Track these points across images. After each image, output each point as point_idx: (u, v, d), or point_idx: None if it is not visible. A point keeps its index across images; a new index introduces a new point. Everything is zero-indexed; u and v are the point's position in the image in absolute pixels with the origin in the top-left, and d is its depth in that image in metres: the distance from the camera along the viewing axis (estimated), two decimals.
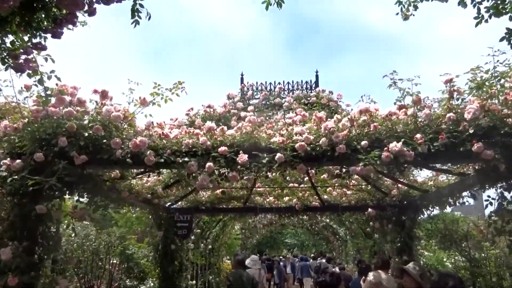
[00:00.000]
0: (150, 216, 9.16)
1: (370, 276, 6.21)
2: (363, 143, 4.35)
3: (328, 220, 18.11)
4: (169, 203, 9.31)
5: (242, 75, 7.18)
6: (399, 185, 8.05)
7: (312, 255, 28.26)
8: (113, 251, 8.85)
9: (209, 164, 4.39)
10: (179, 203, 9.53)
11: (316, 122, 4.73)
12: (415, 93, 4.70)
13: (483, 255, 8.33)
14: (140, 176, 7.35)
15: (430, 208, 8.40)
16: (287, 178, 8.86)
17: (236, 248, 19.05)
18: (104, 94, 4.63)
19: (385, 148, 4.26)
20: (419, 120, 4.53)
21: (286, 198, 9.29)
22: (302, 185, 9.02)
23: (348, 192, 9.10)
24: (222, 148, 4.48)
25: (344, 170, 4.77)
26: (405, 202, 8.59)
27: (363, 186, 8.89)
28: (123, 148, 4.48)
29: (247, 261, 13.38)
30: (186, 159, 4.53)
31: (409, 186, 7.81)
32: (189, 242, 11.26)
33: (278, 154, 4.32)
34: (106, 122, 4.59)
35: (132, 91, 4.76)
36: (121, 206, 7.49)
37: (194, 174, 4.60)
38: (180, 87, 4.52)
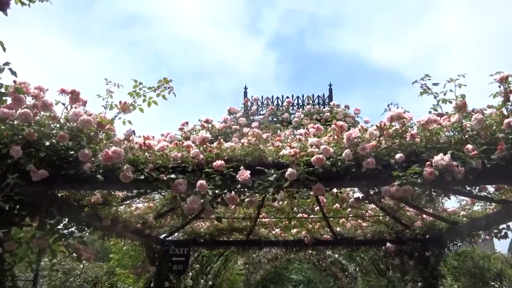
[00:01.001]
0: (142, 249, 8.06)
1: None
2: (397, 156, 3.33)
3: (337, 255, 16.76)
4: (163, 235, 8.21)
5: (245, 88, 6.28)
6: (424, 215, 6.94)
7: None
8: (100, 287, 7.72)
9: (201, 182, 3.37)
10: (175, 234, 8.42)
11: (336, 132, 3.73)
12: (459, 96, 3.73)
13: None
14: (128, 202, 6.32)
15: (458, 243, 7.26)
16: (295, 208, 7.80)
17: (239, 284, 17.63)
18: (74, 96, 3.68)
19: (427, 163, 3.24)
20: (467, 129, 3.52)
21: (294, 230, 8.16)
22: (312, 216, 7.92)
23: (364, 224, 7.97)
24: (218, 162, 3.47)
25: (371, 191, 3.71)
26: (427, 236, 7.46)
27: (381, 217, 7.77)
28: (93, 161, 3.49)
29: None
30: (173, 176, 3.52)
31: (436, 217, 6.70)
32: (188, 278, 10.08)
33: (289, 170, 3.30)
34: (76, 129, 3.63)
35: (110, 94, 3.82)
36: (106, 237, 6.45)
37: (182, 195, 3.58)
38: (167, 87, 3.56)
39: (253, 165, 3.58)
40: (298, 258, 20.01)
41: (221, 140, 3.83)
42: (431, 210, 6.66)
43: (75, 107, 3.70)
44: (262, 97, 6.12)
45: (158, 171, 3.56)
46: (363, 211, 7.59)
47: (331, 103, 5.82)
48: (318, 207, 7.46)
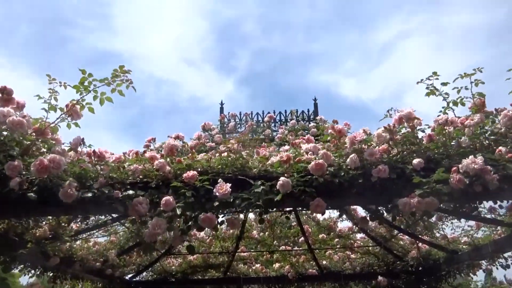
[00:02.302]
0: None
1: None
2: (415, 161, 2.62)
3: None
4: (129, 275, 7.14)
5: (222, 104, 5.55)
6: (420, 244, 6.22)
7: None
8: None
9: (166, 198, 2.54)
10: (143, 274, 7.36)
11: (334, 138, 3.01)
12: (476, 94, 3.11)
13: None
14: (84, 237, 5.34)
15: (456, 274, 6.54)
16: (277, 240, 6.96)
17: None
18: (5, 95, 2.85)
19: (453, 169, 2.54)
20: (494, 130, 2.87)
21: (277, 265, 7.25)
22: (296, 248, 7.08)
23: (353, 256, 7.16)
24: (190, 173, 2.66)
25: (381, 209, 2.96)
26: (422, 268, 6.71)
27: (371, 248, 7.00)
28: (23, 176, 2.63)
29: None
30: (131, 192, 2.69)
31: (433, 246, 5.98)
32: None
33: (282, 179, 2.52)
34: (5, 138, 2.77)
35: (55, 96, 2.99)
36: (58, 279, 5.40)
37: (143, 218, 2.73)
38: (124, 79, 2.78)
39: (234, 178, 2.79)
40: None
41: (194, 151, 3.04)
42: (427, 237, 5.97)
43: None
44: (240, 114, 5.42)
45: (111, 187, 2.71)
46: (352, 241, 6.81)
47: (317, 118, 5.16)
48: (302, 238, 6.65)
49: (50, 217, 4.28)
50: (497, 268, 5.48)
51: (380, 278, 6.77)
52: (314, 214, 6.57)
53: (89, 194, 2.64)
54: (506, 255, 5.39)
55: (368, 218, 3.29)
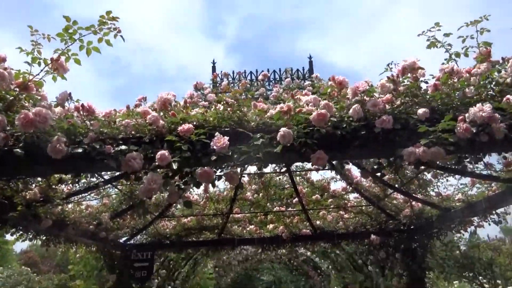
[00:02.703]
0: (99, 256, 6.93)
1: None
2: (420, 111, 2.51)
3: (309, 253, 16.05)
4: (123, 238, 7.11)
5: (213, 63, 5.35)
6: (413, 203, 6.24)
7: None
8: None
9: (161, 152, 2.42)
10: (137, 237, 7.34)
11: (335, 90, 2.88)
12: (482, 43, 2.98)
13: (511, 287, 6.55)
14: (77, 200, 5.23)
15: (447, 231, 6.62)
16: (271, 201, 6.93)
17: None
18: None
19: (460, 118, 2.44)
20: (499, 79, 2.75)
21: (271, 226, 7.27)
22: (290, 209, 7.07)
23: (346, 216, 7.19)
24: (185, 126, 2.53)
25: (384, 162, 2.88)
26: (414, 226, 6.78)
27: (364, 208, 7.03)
28: (8, 131, 2.47)
29: None
30: (123, 147, 2.55)
31: (427, 204, 6.00)
32: (153, 286, 8.98)
33: (283, 130, 2.40)
34: None
35: (38, 49, 2.78)
36: (51, 242, 5.32)
37: (138, 174, 2.61)
38: (111, 27, 2.58)
39: (231, 132, 2.66)
40: (269, 258, 19.17)
41: (188, 103, 2.89)
42: (420, 195, 5.97)
43: None
44: (233, 72, 5.23)
45: (102, 142, 2.57)
46: (345, 202, 6.82)
47: (313, 76, 5.00)
48: (296, 199, 6.63)
49: (40, 179, 4.15)
50: (489, 224, 5.53)
51: (372, 236, 6.83)
52: (308, 175, 6.53)
53: (79, 150, 2.50)
54: (498, 211, 5.43)
55: (368, 171, 3.20)
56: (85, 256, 10.54)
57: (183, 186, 2.61)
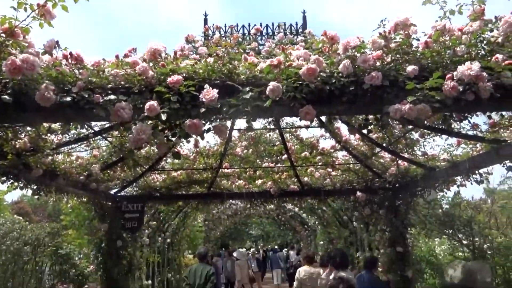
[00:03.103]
0: (90, 206, 7.05)
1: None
2: (409, 68, 2.53)
3: (297, 209, 16.48)
4: (114, 190, 7.21)
5: (205, 15, 5.22)
6: (399, 162, 6.38)
7: (276, 247, 26.61)
8: (42, 250, 6.70)
9: (150, 103, 2.42)
10: (127, 189, 7.44)
11: (326, 45, 2.86)
12: (476, 1, 2.94)
13: (488, 244, 6.84)
14: (67, 150, 5.25)
15: (431, 190, 6.81)
16: (260, 157, 7.01)
17: (199, 241, 17.03)
18: None
19: (448, 76, 2.47)
20: (491, 38, 2.75)
21: (259, 181, 7.41)
22: (278, 165, 7.18)
23: (333, 173, 7.34)
24: (175, 78, 2.52)
25: (371, 117, 2.91)
26: (398, 185, 6.96)
27: (351, 166, 7.17)
28: None
29: (236, 254, 13.65)
30: (112, 97, 2.55)
31: (412, 163, 6.13)
32: (144, 236, 9.21)
33: (272, 84, 2.41)
34: None
35: None
36: (42, 192, 5.38)
37: (127, 125, 2.62)
38: None
39: (221, 84, 2.66)
40: (258, 214, 19.66)
41: (178, 55, 2.86)
42: (407, 155, 6.09)
43: None
44: (225, 26, 5.12)
45: (91, 92, 2.56)
46: (333, 159, 6.93)
47: (306, 32, 4.92)
48: (285, 156, 6.72)
49: (29, 129, 4.13)
50: (471, 184, 5.69)
51: (358, 193, 7.03)
52: (298, 132, 6.57)
53: (68, 99, 2.49)
54: (481, 171, 5.58)
55: (355, 128, 3.25)
56: (76, 207, 10.71)
57: (172, 138, 2.63)
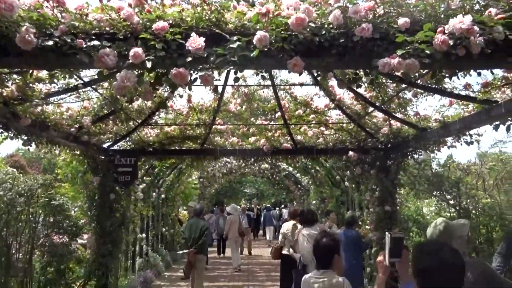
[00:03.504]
0: (83, 159, 7.08)
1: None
2: (401, 21, 2.47)
3: (291, 169, 16.68)
4: (107, 144, 7.22)
5: None
6: (392, 122, 6.38)
7: (269, 205, 27.13)
8: (36, 201, 6.78)
9: (135, 50, 2.37)
10: (120, 143, 7.46)
11: None
12: None
13: (474, 204, 7.00)
14: (56, 101, 5.20)
15: (422, 151, 6.87)
16: (253, 115, 6.99)
17: (194, 198, 17.31)
18: None
19: (439, 29, 2.42)
20: None
21: (252, 139, 7.43)
22: (272, 123, 7.18)
23: (326, 132, 7.36)
24: (160, 24, 2.46)
25: (361, 72, 2.88)
26: (390, 145, 7.00)
27: (345, 125, 7.17)
28: None
29: (228, 209, 14.06)
30: (96, 43, 2.49)
31: (405, 123, 6.14)
32: (138, 191, 9.34)
33: (259, 33, 2.36)
34: None
35: None
36: (33, 143, 5.38)
37: (111, 71, 2.58)
38: None
39: (208, 33, 2.60)
40: (253, 172, 19.89)
41: (165, 3, 2.77)
42: (400, 115, 6.09)
43: None
44: None
45: (74, 36, 2.50)
46: (327, 118, 6.92)
47: None
48: (279, 113, 6.71)
49: (16, 77, 4.07)
50: (461, 144, 5.74)
51: (350, 153, 7.08)
52: (292, 90, 6.52)
53: (50, 43, 2.43)
54: (472, 132, 5.61)
55: (344, 82, 3.22)
56: (70, 161, 10.77)
57: (157, 87, 2.60)
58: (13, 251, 6.88)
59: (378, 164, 7.18)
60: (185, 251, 8.20)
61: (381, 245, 7.24)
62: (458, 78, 2.99)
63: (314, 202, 15.47)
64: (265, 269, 12.45)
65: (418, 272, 1.89)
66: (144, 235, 10.68)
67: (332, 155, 7.66)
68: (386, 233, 2.39)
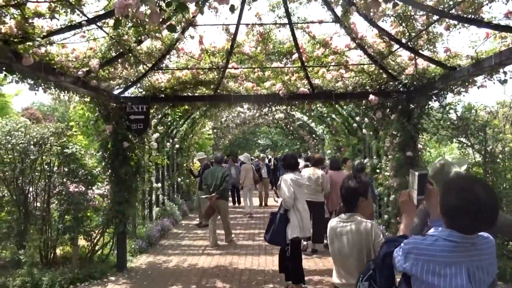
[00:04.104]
0: (94, 107, 6.86)
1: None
2: None
3: (305, 118, 16.35)
4: (117, 90, 6.96)
5: None
6: (418, 61, 5.93)
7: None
8: (49, 149, 6.64)
9: None
10: (131, 90, 7.19)
11: None
12: None
13: (501, 148, 6.62)
14: (60, 40, 4.88)
15: (447, 93, 6.44)
16: (270, 56, 6.57)
17: (208, 148, 17.23)
18: None
19: None
20: None
21: (268, 83, 7.06)
22: (289, 65, 6.77)
23: (346, 75, 6.94)
24: None
25: None
26: (412, 88, 6.58)
27: (365, 67, 6.74)
28: None
29: (242, 158, 14.37)
30: None
31: (432, 62, 5.70)
32: (152, 141, 9.20)
33: None
34: None
35: None
36: (40, 87, 5.12)
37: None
38: None
39: None
40: (266, 123, 19.64)
41: None
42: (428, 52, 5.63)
43: None
44: None
45: None
46: (347, 59, 6.48)
47: None
48: (296, 55, 6.29)
49: (14, 11, 3.75)
50: (493, 83, 5.30)
51: (371, 96, 6.70)
52: (309, 28, 6.06)
53: None
54: (506, 69, 5.15)
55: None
56: (81, 111, 10.59)
57: (165, 8, 2.26)
58: (31, 200, 6.87)
59: (400, 108, 6.81)
60: (207, 196, 8.51)
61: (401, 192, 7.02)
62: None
63: (329, 151, 15.25)
64: None
65: (446, 212, 1.66)
66: (159, 184, 10.67)
67: (351, 99, 7.28)
68: (411, 171, 2.22)
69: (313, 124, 16.80)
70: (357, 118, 10.61)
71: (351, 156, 11.49)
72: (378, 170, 9.45)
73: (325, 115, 12.93)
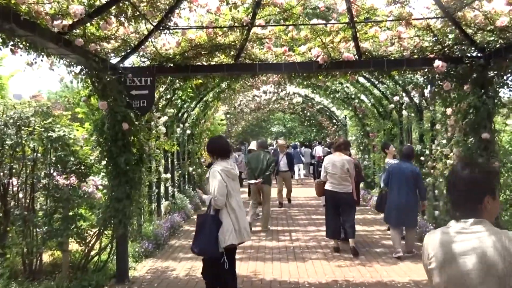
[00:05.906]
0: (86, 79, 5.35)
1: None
2: None
3: (326, 102, 14.75)
4: (115, 60, 5.44)
5: None
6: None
7: (297, 143, 25.50)
8: (29, 133, 5.18)
9: None
10: (132, 58, 5.67)
11: None
12: None
13: None
14: None
15: None
16: (308, 10, 4.98)
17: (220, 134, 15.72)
18: None
19: None
20: None
21: (304, 48, 5.49)
22: (333, 22, 5.18)
23: (403, 36, 5.33)
24: None
25: None
26: (493, 50, 4.99)
27: (432, 25, 5.13)
28: None
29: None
30: None
31: None
32: (160, 125, 7.72)
33: None
34: None
35: None
36: (6, 44, 3.63)
37: None
38: None
39: None
40: (282, 108, 18.08)
41: None
42: None
43: None
44: None
45: None
46: (409, 12, 4.87)
47: None
48: (343, 7, 4.73)
49: None
50: None
51: (438, 62, 5.11)
52: None
53: None
54: None
55: None
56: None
57: None
58: (11, 196, 5.45)
59: (475, 76, 5.21)
60: (252, 181, 8.46)
61: None
62: None
63: (353, 137, 13.67)
64: (304, 211, 11.02)
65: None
66: (169, 175, 9.20)
67: (409, 67, 5.66)
68: None
69: (334, 108, 15.23)
70: (395, 98, 9.03)
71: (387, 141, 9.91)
72: (422, 158, 7.92)
73: (353, 96, 11.35)
